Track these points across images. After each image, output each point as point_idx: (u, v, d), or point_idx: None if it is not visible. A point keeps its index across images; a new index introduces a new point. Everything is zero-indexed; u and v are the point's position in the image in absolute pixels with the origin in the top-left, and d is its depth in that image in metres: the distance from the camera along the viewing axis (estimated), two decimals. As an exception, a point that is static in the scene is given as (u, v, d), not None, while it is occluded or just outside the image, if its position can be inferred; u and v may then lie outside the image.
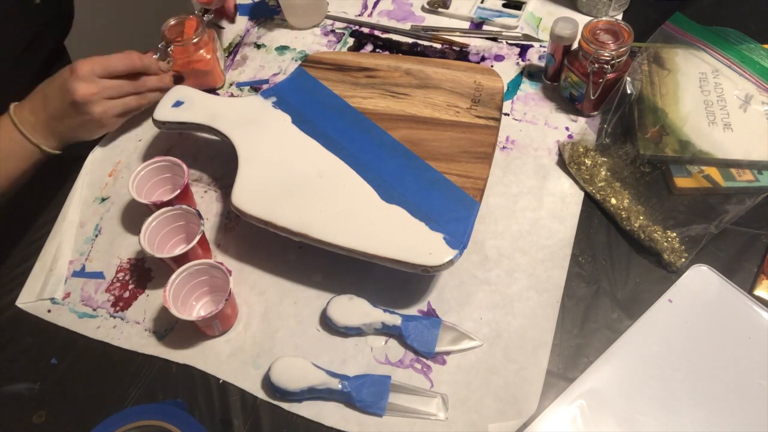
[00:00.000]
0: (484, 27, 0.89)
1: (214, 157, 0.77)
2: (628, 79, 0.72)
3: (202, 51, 0.79)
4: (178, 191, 0.66)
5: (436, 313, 0.62)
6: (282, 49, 0.89)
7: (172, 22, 0.80)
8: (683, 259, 0.62)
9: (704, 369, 0.56)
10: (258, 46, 0.89)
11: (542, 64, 0.82)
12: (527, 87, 0.81)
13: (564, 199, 0.69)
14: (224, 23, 0.91)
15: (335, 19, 0.92)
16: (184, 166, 0.68)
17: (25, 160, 0.70)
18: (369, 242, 0.59)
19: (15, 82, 0.76)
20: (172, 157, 0.69)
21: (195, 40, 0.78)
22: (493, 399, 0.57)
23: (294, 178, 0.65)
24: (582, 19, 0.74)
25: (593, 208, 0.69)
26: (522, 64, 0.83)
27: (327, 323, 0.61)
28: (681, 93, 0.73)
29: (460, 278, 0.64)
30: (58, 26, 0.82)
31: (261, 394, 0.58)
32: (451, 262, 0.57)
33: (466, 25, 0.89)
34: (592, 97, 0.73)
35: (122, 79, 0.71)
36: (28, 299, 0.66)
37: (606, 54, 0.69)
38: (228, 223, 0.70)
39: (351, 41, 0.89)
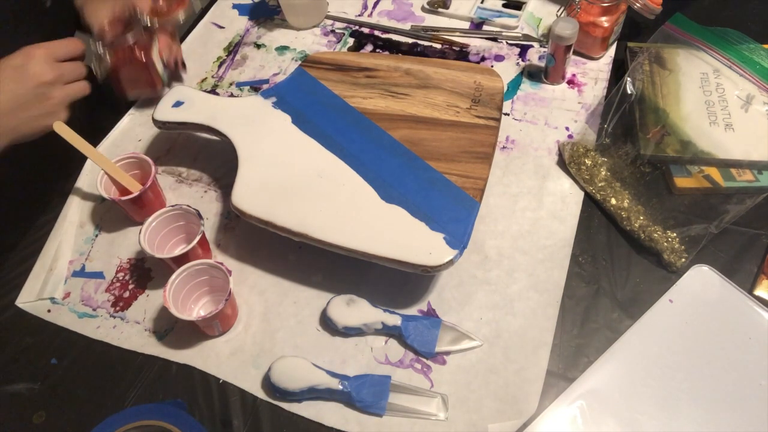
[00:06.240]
0: (484, 27, 0.89)
1: (214, 157, 0.77)
2: (629, 79, 0.72)
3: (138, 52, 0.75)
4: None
5: (436, 313, 0.62)
6: (282, 49, 0.89)
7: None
8: (683, 259, 0.62)
9: (704, 369, 0.56)
10: (258, 46, 0.89)
11: (542, 64, 0.82)
12: (527, 87, 0.81)
13: (564, 199, 0.69)
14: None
15: (335, 19, 0.92)
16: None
17: None
18: (369, 242, 0.59)
19: None
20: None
21: (131, 41, 0.74)
22: (493, 399, 0.57)
23: (294, 178, 0.64)
24: (582, 19, 0.74)
25: (593, 208, 0.69)
26: (522, 64, 0.83)
27: (327, 323, 0.61)
28: (682, 93, 0.73)
29: (460, 278, 0.64)
30: (68, 25, 0.81)
31: (261, 394, 0.58)
32: (451, 262, 0.57)
33: (466, 25, 0.89)
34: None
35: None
36: (27, 299, 0.66)
37: None
38: (228, 223, 0.70)
39: (351, 41, 0.89)
